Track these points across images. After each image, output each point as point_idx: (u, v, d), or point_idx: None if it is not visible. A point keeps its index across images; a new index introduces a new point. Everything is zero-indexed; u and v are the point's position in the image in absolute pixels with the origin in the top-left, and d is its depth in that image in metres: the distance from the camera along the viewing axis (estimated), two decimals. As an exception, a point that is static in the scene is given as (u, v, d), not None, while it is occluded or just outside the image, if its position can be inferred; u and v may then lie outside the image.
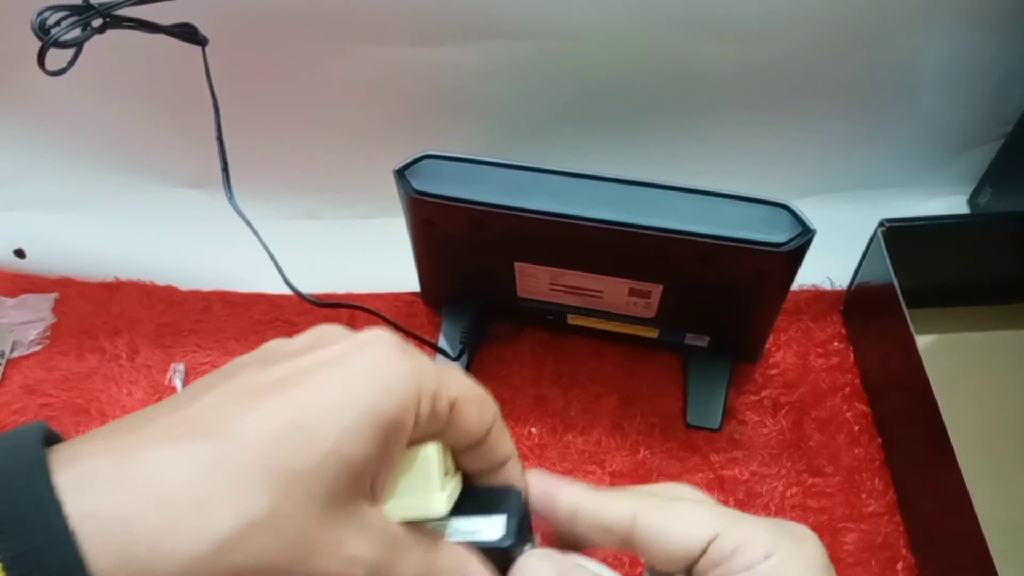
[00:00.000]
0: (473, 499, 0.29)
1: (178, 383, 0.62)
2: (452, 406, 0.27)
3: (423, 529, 0.27)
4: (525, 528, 0.30)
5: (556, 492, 0.31)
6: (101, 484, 0.21)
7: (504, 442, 0.30)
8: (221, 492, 0.22)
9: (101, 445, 0.22)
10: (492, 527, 0.28)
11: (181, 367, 0.62)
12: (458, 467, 0.29)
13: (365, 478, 0.24)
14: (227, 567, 0.21)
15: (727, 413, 0.59)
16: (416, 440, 0.26)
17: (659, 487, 0.32)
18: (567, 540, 0.31)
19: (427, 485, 0.26)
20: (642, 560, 0.30)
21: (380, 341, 0.26)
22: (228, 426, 0.23)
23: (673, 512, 0.29)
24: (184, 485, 0.21)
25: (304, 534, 0.23)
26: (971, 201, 0.69)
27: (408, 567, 0.25)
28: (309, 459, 0.23)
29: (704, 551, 0.28)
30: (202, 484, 0.22)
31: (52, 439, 0.23)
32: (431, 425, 0.26)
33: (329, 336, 0.27)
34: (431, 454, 0.27)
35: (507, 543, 0.28)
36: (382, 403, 0.24)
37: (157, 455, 0.22)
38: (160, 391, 0.62)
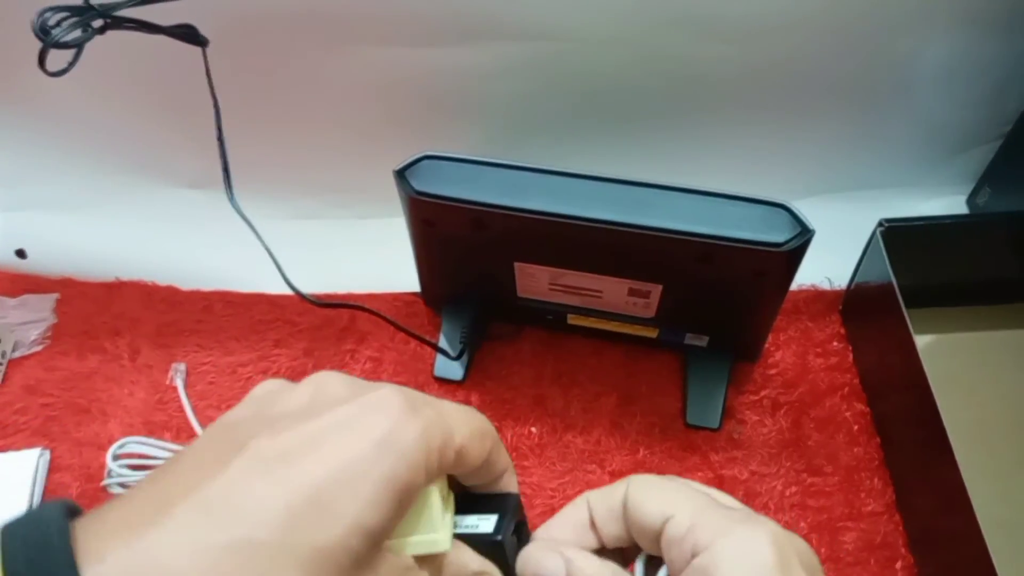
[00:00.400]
0: (472, 500, 0.32)
1: (179, 383, 0.62)
2: (458, 451, 0.28)
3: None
4: (522, 529, 0.33)
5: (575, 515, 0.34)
6: None
7: (501, 459, 0.32)
8: None
9: (122, 538, 0.22)
10: (486, 524, 0.30)
11: (183, 367, 0.63)
12: (457, 485, 0.32)
13: (384, 537, 0.25)
14: None
15: (726, 413, 0.59)
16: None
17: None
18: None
19: (431, 524, 0.28)
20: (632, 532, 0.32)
21: (389, 403, 0.26)
22: (247, 509, 0.23)
23: (655, 487, 0.31)
24: None
25: None
26: (970, 201, 0.70)
27: None
28: (332, 533, 0.23)
29: (662, 529, 0.29)
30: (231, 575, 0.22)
31: (73, 513, 0.23)
32: (440, 472, 0.28)
33: (332, 390, 0.27)
34: (433, 497, 0.28)
35: (498, 537, 0.30)
36: (397, 470, 0.25)
37: (180, 549, 0.22)
38: (161, 391, 0.62)
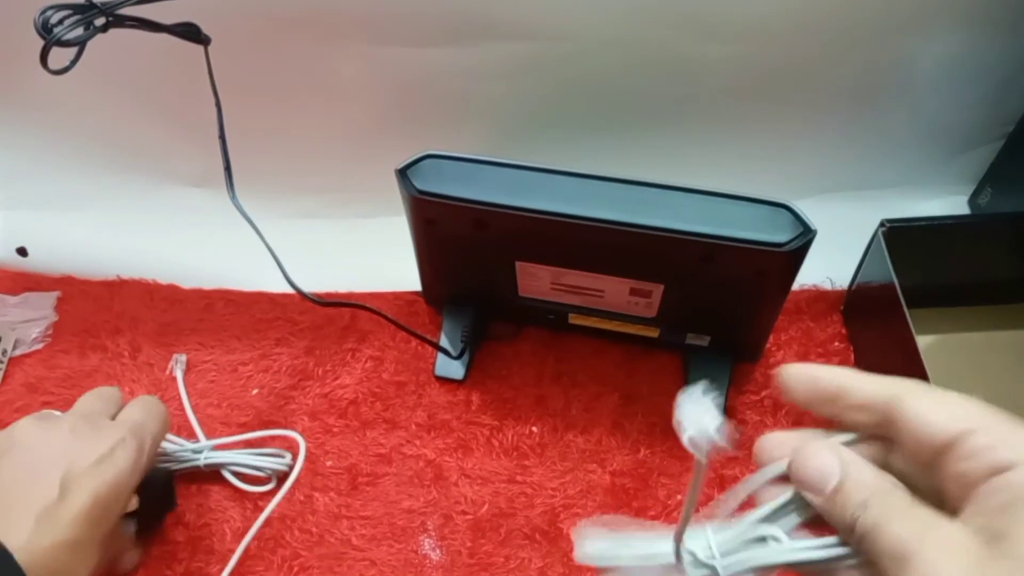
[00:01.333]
0: None
1: (179, 373, 0.62)
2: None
3: None
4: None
5: (818, 372, 0.31)
6: None
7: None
8: None
9: None
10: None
11: (183, 358, 0.63)
12: None
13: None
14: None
15: (727, 413, 0.59)
16: None
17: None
18: (819, 422, 0.32)
19: None
20: (898, 440, 0.29)
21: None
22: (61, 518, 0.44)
23: (940, 398, 0.28)
24: None
25: None
26: (971, 201, 0.69)
27: None
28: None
29: (955, 441, 0.27)
30: None
31: None
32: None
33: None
34: None
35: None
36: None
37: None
38: (162, 389, 0.62)
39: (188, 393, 0.62)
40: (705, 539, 0.31)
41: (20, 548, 0.40)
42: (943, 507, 0.27)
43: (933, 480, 0.28)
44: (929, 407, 0.28)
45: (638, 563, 0.30)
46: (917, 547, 0.25)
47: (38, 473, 0.44)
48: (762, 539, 0.30)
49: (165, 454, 0.57)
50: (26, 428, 0.47)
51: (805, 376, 0.32)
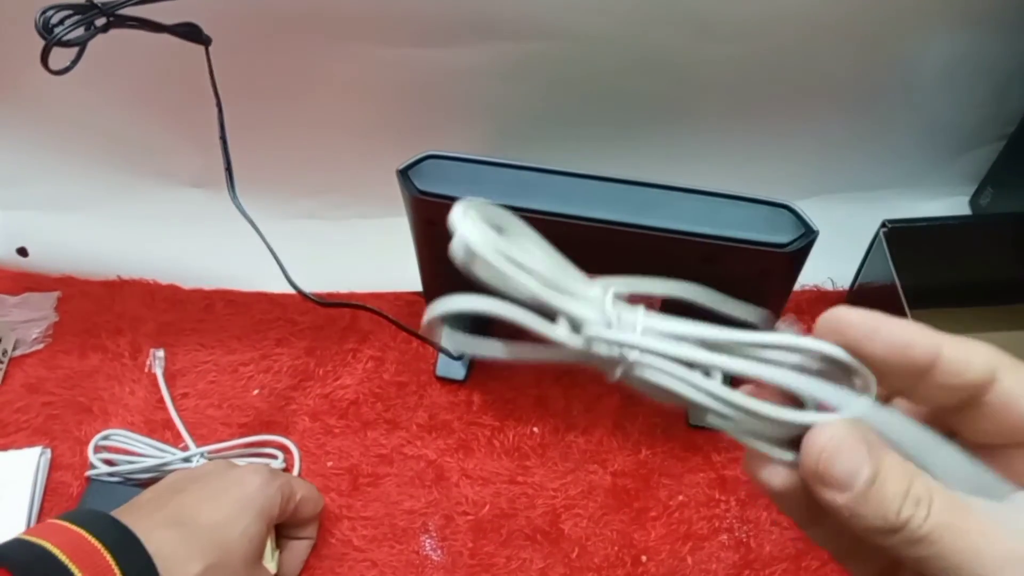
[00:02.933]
0: None
1: (158, 371, 0.62)
2: (298, 504, 0.52)
3: None
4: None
5: (910, 335, 0.25)
6: None
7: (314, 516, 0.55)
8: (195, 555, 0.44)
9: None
10: None
11: (161, 353, 0.63)
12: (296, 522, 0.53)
13: (261, 544, 0.49)
14: None
15: (729, 413, 0.59)
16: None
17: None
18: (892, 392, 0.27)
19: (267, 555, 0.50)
20: (973, 422, 0.25)
21: (259, 471, 0.51)
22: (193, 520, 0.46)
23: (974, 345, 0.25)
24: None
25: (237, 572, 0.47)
26: (973, 202, 0.69)
27: None
28: (235, 534, 0.47)
29: (984, 385, 0.25)
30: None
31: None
32: (283, 515, 0.51)
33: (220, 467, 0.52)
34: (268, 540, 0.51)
35: None
36: (266, 505, 0.49)
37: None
38: (162, 389, 0.62)
39: (178, 396, 0.62)
40: (618, 312, 0.24)
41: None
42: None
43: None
44: (967, 353, 0.25)
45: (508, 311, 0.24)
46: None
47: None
48: (703, 370, 0.25)
49: (156, 466, 0.57)
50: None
51: (885, 334, 0.25)
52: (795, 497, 0.26)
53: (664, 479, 0.57)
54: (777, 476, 0.26)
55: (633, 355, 0.24)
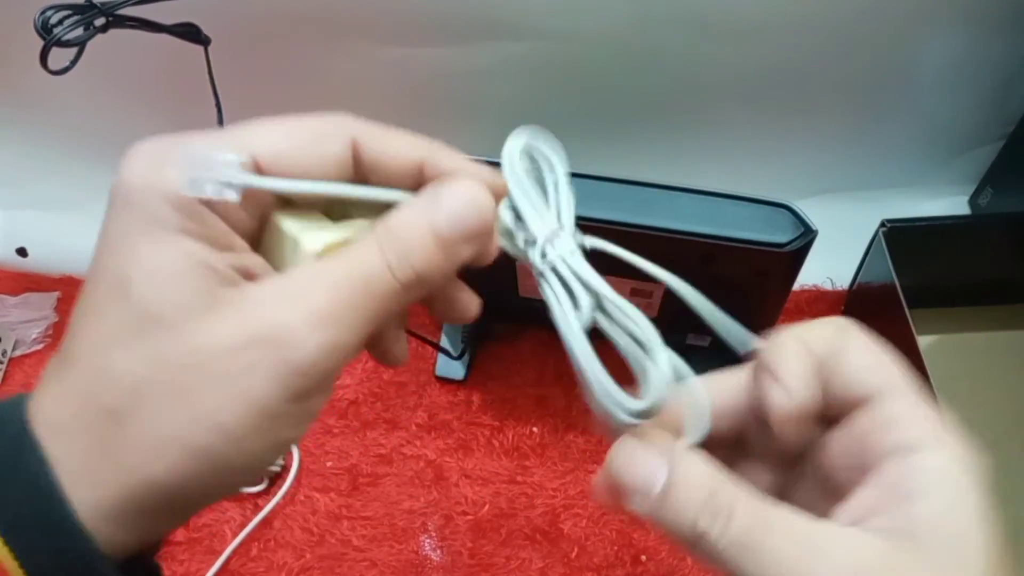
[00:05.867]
0: None
1: None
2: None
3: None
4: None
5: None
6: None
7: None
8: None
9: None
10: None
11: None
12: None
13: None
14: None
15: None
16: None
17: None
18: None
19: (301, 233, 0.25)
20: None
21: None
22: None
23: (873, 353, 0.26)
24: None
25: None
26: (972, 201, 0.69)
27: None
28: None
29: (863, 400, 0.24)
30: None
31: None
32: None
33: None
34: (277, 219, 0.25)
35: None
36: None
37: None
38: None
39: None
40: None
41: None
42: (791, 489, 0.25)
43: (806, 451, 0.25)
44: (859, 359, 0.25)
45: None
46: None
47: None
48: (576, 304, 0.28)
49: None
50: None
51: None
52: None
53: (663, 479, 0.57)
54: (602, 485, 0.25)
55: (542, 265, 0.29)
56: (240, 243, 0.24)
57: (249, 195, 0.23)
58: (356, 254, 0.23)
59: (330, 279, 0.23)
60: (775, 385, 0.25)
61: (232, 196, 0.22)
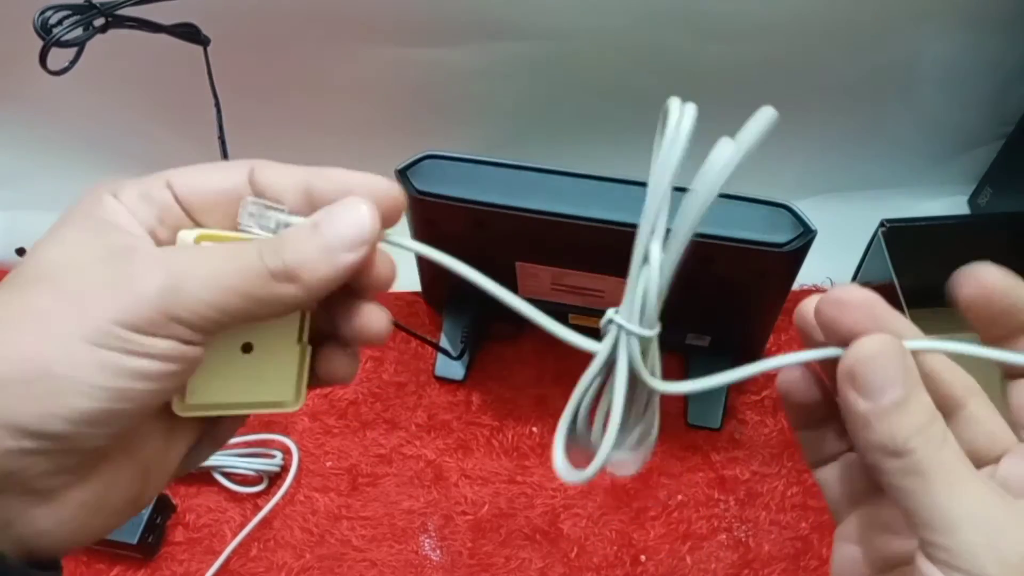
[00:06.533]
0: None
1: None
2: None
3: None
4: None
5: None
6: None
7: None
8: None
9: None
10: None
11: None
12: None
13: None
14: None
15: (728, 413, 0.59)
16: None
17: None
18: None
19: None
20: None
21: None
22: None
23: None
24: None
25: None
26: (971, 201, 0.69)
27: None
28: None
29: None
30: None
31: None
32: None
33: None
34: (180, 236, 0.28)
35: None
36: None
37: None
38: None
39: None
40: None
41: None
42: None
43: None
44: None
45: None
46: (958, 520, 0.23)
47: None
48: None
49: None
50: None
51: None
52: (806, 395, 0.28)
53: (663, 479, 0.57)
54: (794, 372, 0.28)
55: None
56: (144, 236, 0.27)
57: (160, 206, 0.27)
58: (236, 242, 0.26)
59: (197, 248, 0.26)
60: None
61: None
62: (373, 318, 0.28)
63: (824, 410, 0.29)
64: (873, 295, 0.27)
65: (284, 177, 0.28)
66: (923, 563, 0.23)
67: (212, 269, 0.25)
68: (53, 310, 0.23)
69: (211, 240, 0.27)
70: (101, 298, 0.23)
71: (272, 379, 0.28)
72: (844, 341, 0.26)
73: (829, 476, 0.30)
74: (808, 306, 0.28)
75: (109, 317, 0.23)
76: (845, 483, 0.29)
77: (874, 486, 0.27)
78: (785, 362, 0.28)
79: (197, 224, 0.28)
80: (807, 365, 0.28)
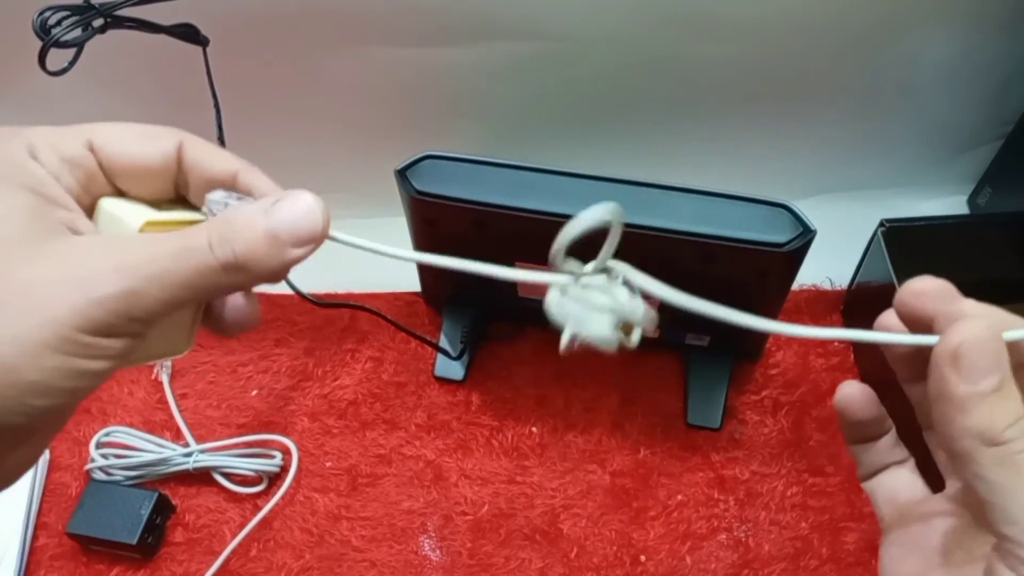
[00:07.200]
0: None
1: (164, 377, 0.62)
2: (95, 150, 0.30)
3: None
4: None
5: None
6: None
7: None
8: None
9: None
10: None
11: (168, 361, 0.63)
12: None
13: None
14: None
15: (727, 413, 0.59)
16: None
17: None
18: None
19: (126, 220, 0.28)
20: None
21: None
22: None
23: None
24: None
25: None
26: (971, 201, 0.69)
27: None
28: None
29: None
30: None
31: None
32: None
33: None
34: (102, 203, 0.29)
35: None
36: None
37: None
38: (160, 390, 0.62)
39: (177, 396, 0.62)
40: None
41: None
42: None
43: None
44: None
45: None
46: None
47: None
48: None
49: (156, 461, 0.57)
50: None
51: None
52: (864, 412, 0.31)
53: (663, 479, 0.57)
54: (852, 389, 0.31)
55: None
56: (73, 205, 0.27)
57: (84, 171, 0.28)
58: (184, 231, 0.26)
59: (148, 240, 0.25)
60: None
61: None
62: (250, 312, 0.30)
63: (878, 427, 0.31)
64: (947, 284, 0.27)
65: (216, 161, 0.29)
66: (998, 566, 0.23)
67: (165, 269, 0.25)
68: (10, 304, 0.23)
69: (155, 228, 0.27)
70: (60, 301, 0.23)
71: (170, 335, 0.29)
72: (927, 330, 0.26)
73: (879, 486, 0.31)
74: (887, 319, 0.29)
75: (71, 324, 0.23)
76: (895, 493, 0.31)
77: (924, 498, 0.28)
78: (881, 338, 0.29)
79: (117, 190, 0.28)
80: (865, 385, 0.31)
